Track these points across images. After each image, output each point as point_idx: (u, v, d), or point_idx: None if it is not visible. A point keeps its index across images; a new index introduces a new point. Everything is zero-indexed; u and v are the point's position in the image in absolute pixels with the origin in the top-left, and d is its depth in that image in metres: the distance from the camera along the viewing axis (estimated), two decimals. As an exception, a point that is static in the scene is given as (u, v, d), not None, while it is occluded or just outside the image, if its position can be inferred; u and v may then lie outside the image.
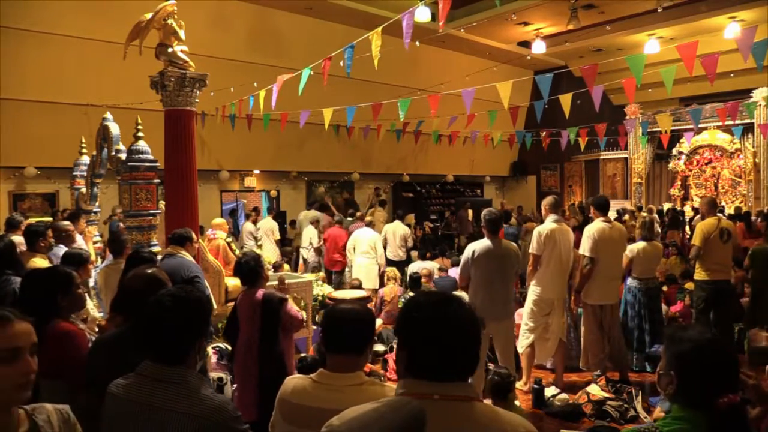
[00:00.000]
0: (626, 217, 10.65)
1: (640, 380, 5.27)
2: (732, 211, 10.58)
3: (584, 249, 5.04)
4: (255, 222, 10.02)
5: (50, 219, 7.53)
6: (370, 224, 8.43)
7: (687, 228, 11.03)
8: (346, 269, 8.58)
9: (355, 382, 1.80)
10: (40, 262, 4.17)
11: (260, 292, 3.48)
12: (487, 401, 3.56)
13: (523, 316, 5.11)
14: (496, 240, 4.48)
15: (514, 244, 4.79)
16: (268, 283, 3.81)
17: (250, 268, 3.53)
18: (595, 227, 5.07)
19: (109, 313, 2.77)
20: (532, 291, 5.02)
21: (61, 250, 4.63)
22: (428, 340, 1.25)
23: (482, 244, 4.48)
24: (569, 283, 5.43)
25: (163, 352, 1.68)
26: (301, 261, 9.91)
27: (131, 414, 1.64)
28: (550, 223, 5.00)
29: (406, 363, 1.29)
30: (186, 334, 1.71)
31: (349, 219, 10.02)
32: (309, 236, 9.41)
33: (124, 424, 1.65)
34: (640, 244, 5.54)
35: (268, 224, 9.78)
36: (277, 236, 9.73)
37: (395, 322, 1.40)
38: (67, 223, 5.49)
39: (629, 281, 5.68)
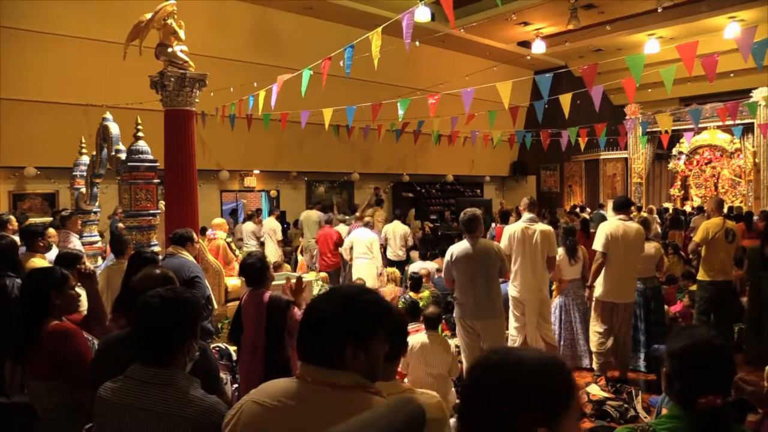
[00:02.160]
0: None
1: (640, 380, 5.28)
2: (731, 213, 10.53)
3: (597, 244, 5.08)
4: (254, 221, 10.02)
5: (50, 219, 7.53)
6: (368, 224, 8.41)
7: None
8: (347, 269, 8.58)
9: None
10: (39, 262, 4.17)
11: (267, 295, 3.41)
12: None
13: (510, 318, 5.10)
14: (474, 240, 4.44)
15: (495, 243, 4.75)
16: (274, 283, 3.77)
17: (256, 269, 3.47)
18: (609, 224, 5.13)
19: (112, 314, 2.77)
20: (510, 291, 4.99)
21: (55, 252, 4.63)
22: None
23: (460, 246, 4.47)
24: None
25: (152, 353, 1.67)
26: (300, 259, 9.91)
27: (121, 418, 1.61)
28: (519, 222, 5.02)
29: None
30: (174, 335, 1.69)
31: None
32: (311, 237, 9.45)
33: (114, 428, 1.63)
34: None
35: (270, 224, 9.78)
36: (280, 237, 9.73)
37: None
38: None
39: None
